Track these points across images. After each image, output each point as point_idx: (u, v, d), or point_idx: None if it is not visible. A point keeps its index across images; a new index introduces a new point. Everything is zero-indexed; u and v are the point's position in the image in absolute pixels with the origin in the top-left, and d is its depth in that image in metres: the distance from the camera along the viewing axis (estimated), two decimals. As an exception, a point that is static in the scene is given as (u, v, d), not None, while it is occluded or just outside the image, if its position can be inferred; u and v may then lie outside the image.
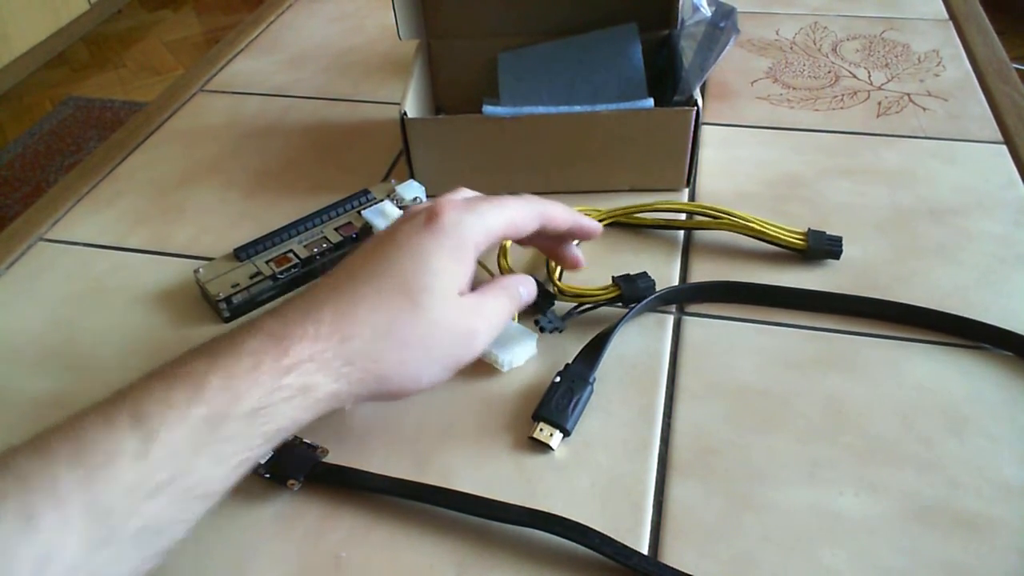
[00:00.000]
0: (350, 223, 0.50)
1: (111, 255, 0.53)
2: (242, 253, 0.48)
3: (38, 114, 2.31)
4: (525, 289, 0.41)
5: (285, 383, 0.32)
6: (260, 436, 0.32)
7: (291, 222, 0.50)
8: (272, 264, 0.47)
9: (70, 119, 2.27)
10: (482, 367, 0.43)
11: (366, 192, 0.52)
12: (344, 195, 0.52)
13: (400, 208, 0.50)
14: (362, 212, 0.49)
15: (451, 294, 0.36)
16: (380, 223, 0.48)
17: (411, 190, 0.51)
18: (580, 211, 0.52)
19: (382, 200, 0.50)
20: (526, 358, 0.43)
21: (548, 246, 0.44)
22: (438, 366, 0.36)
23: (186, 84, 0.72)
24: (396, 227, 0.37)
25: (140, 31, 2.76)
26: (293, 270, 0.48)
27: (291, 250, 0.48)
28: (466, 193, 0.41)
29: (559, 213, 0.41)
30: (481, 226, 0.37)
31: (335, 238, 0.49)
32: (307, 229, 0.50)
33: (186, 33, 2.74)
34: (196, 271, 0.47)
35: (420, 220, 0.37)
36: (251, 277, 0.47)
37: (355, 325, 0.34)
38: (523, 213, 0.39)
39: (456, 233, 0.36)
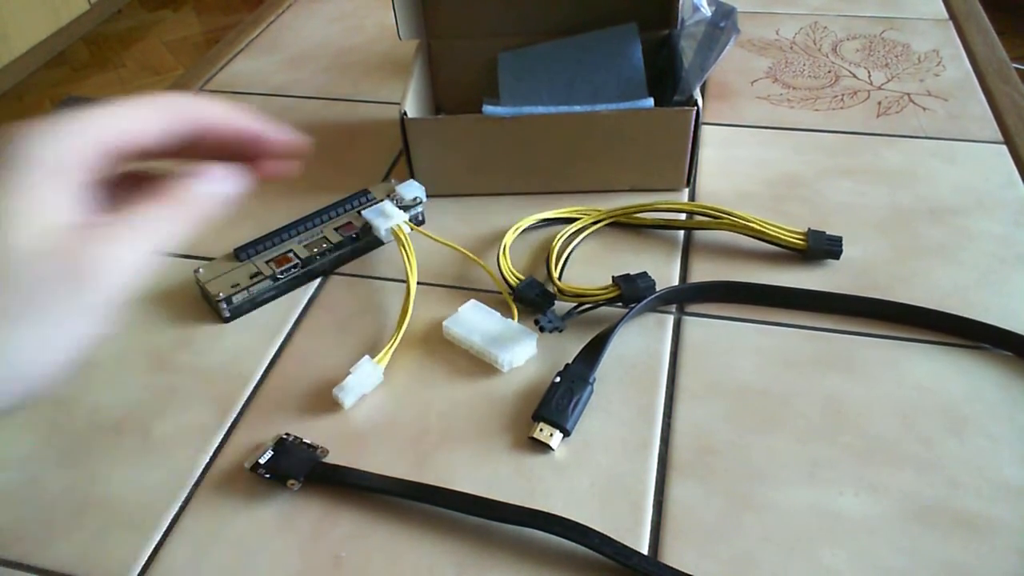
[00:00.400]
0: (350, 223, 0.50)
1: (111, 255, 0.53)
2: (242, 253, 0.48)
3: (38, 114, 2.30)
4: (205, 185, 0.30)
5: None
6: None
7: (291, 222, 0.50)
8: (272, 264, 0.47)
9: (70, 119, 2.27)
10: (482, 367, 0.43)
11: (366, 192, 0.52)
12: (344, 195, 0.52)
13: (400, 208, 0.50)
14: (362, 212, 0.50)
15: (42, 238, 0.25)
16: (380, 223, 0.48)
17: (411, 190, 0.51)
18: (580, 211, 0.52)
19: (382, 200, 0.50)
20: (526, 358, 0.43)
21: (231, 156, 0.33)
22: (62, 330, 0.25)
23: (186, 84, 0.72)
24: None
25: (140, 31, 2.76)
26: (293, 270, 0.48)
27: (291, 250, 0.48)
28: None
29: (216, 112, 0.31)
30: (67, 133, 0.27)
31: (335, 238, 0.49)
32: (307, 229, 0.50)
33: (186, 33, 2.74)
34: (196, 271, 0.47)
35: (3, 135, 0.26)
36: (251, 277, 0.47)
37: None
38: (138, 113, 0.28)
39: (25, 158, 0.26)
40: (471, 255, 0.49)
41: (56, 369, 0.25)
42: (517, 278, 0.46)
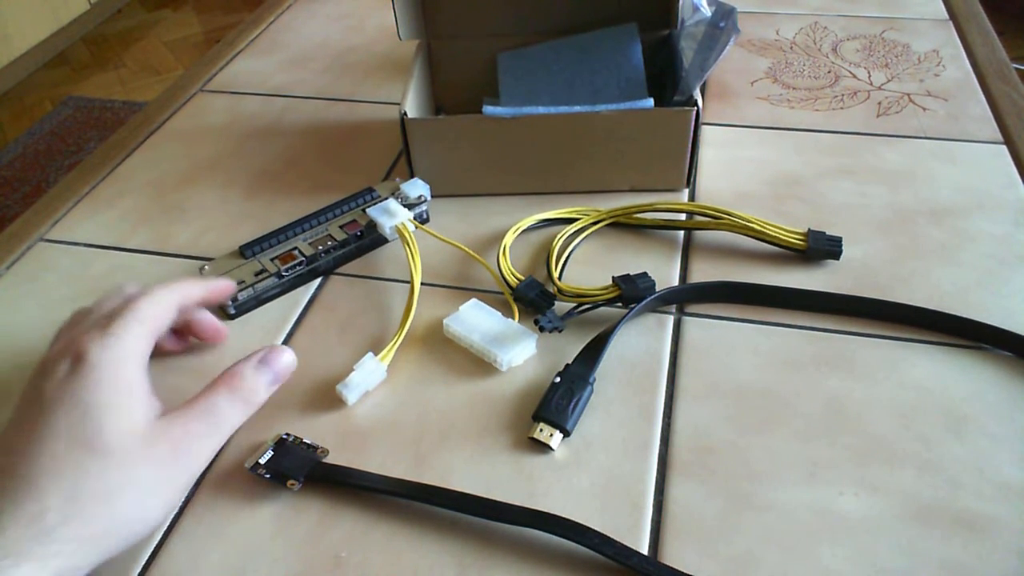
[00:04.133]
0: (355, 221, 0.50)
1: (111, 255, 0.53)
2: (247, 251, 0.48)
3: (38, 114, 2.31)
4: (270, 370, 0.38)
5: None
6: None
7: (296, 220, 0.50)
8: (277, 262, 0.48)
9: (70, 119, 2.27)
10: (482, 367, 0.43)
11: (370, 190, 0.52)
12: (345, 195, 0.52)
13: (405, 206, 0.50)
14: (367, 210, 0.50)
15: (134, 426, 0.33)
16: (385, 221, 0.48)
17: (416, 188, 0.51)
18: (580, 211, 0.52)
19: (386, 199, 0.51)
20: (525, 358, 0.43)
21: (185, 321, 0.43)
22: (157, 499, 0.33)
23: (186, 84, 0.72)
24: (39, 385, 0.34)
25: (140, 31, 2.76)
26: (298, 267, 0.48)
27: (296, 247, 0.48)
28: (104, 306, 0.38)
29: (188, 285, 0.40)
30: (126, 345, 0.35)
31: (340, 236, 0.49)
32: (312, 227, 0.50)
33: (186, 33, 2.74)
34: (202, 268, 0.47)
35: (64, 369, 0.33)
36: (256, 275, 0.47)
37: (39, 500, 0.30)
38: (158, 306, 0.37)
39: (106, 364, 0.33)
40: (473, 253, 0.49)
41: (150, 529, 0.33)
42: (517, 278, 0.46)
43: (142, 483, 0.33)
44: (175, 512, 0.37)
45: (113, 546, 0.32)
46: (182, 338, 0.45)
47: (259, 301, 0.47)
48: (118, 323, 0.35)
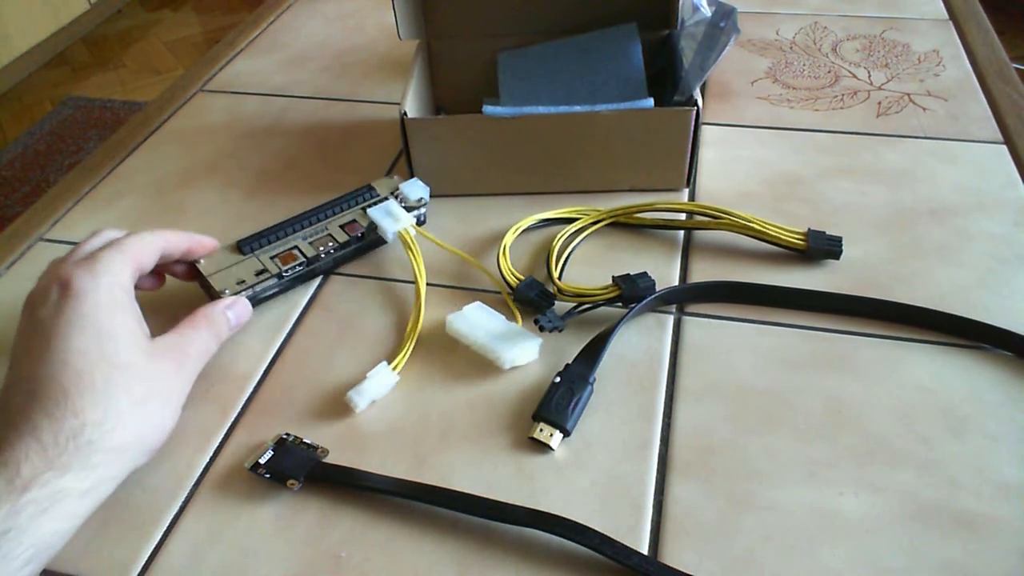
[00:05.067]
0: (355, 221, 0.50)
1: (111, 255, 0.53)
2: (245, 246, 0.47)
3: (38, 114, 2.31)
4: (233, 313, 0.43)
5: (26, 499, 0.31)
6: (15, 560, 0.30)
7: (295, 216, 0.49)
8: (277, 261, 0.47)
9: (70, 119, 2.27)
10: (482, 368, 0.43)
11: (370, 188, 0.51)
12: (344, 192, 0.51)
13: (405, 208, 0.49)
14: (368, 211, 0.49)
15: (140, 341, 0.37)
16: (388, 226, 0.48)
17: (416, 190, 0.51)
18: (580, 211, 0.52)
19: (386, 198, 0.50)
20: (527, 359, 0.43)
21: (168, 269, 0.46)
22: (170, 408, 0.37)
23: (186, 84, 0.72)
24: (34, 314, 0.36)
25: (140, 31, 2.76)
26: (299, 268, 0.48)
27: (296, 246, 0.48)
28: (94, 241, 0.41)
29: (172, 234, 0.43)
30: (115, 273, 0.38)
31: (341, 237, 0.49)
32: (311, 224, 0.49)
33: (186, 33, 2.74)
34: (198, 262, 0.46)
35: (55, 298, 0.36)
36: (257, 275, 0.46)
37: (76, 415, 0.33)
38: (142, 243, 0.40)
39: (100, 289, 0.36)
40: (471, 259, 0.49)
41: (166, 436, 0.37)
42: (517, 278, 0.46)
43: (159, 392, 0.36)
44: (179, 508, 0.37)
45: (139, 455, 0.36)
46: (158, 278, 0.46)
47: (257, 301, 0.47)
48: (102, 254, 0.38)
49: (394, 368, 0.42)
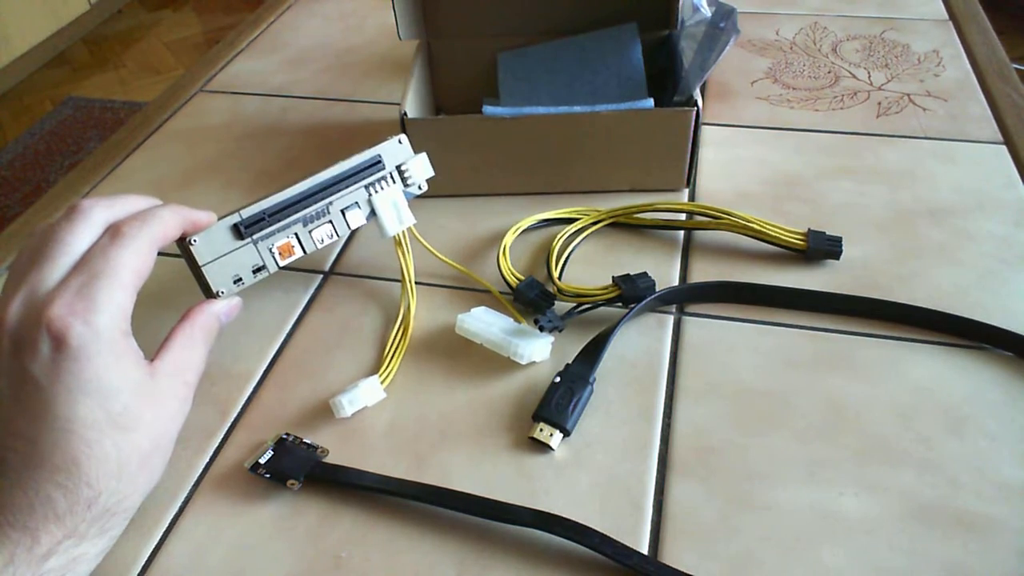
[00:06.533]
0: (357, 206, 0.46)
1: (111, 255, 0.53)
2: (244, 229, 0.43)
3: (38, 114, 2.31)
4: (227, 314, 0.41)
5: (47, 568, 0.31)
6: None
7: (294, 196, 0.45)
8: (275, 253, 0.44)
9: (70, 119, 2.27)
10: (482, 368, 0.43)
11: (379, 161, 0.47)
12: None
13: (404, 184, 0.47)
14: (372, 199, 0.46)
15: (143, 386, 0.34)
16: (389, 220, 0.46)
17: (423, 169, 0.47)
18: (580, 211, 0.52)
19: (392, 182, 0.47)
20: (542, 357, 0.43)
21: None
22: (170, 446, 0.36)
23: (186, 84, 0.72)
24: (26, 366, 0.32)
25: (140, 31, 2.76)
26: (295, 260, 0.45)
27: (296, 234, 0.45)
28: (72, 244, 0.35)
29: (168, 218, 0.38)
30: (112, 315, 0.33)
31: (343, 229, 0.46)
32: (312, 204, 0.45)
33: (186, 33, 2.74)
34: (191, 241, 0.42)
35: (47, 352, 0.32)
36: (254, 272, 0.44)
37: (91, 486, 0.32)
38: (139, 257, 0.35)
39: (98, 341, 0.32)
40: (466, 269, 0.48)
41: (173, 445, 0.37)
42: (517, 278, 0.46)
43: (165, 438, 0.36)
44: (179, 508, 0.37)
45: (142, 499, 0.35)
46: None
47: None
48: (97, 291, 0.33)
49: (381, 380, 0.42)
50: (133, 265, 0.35)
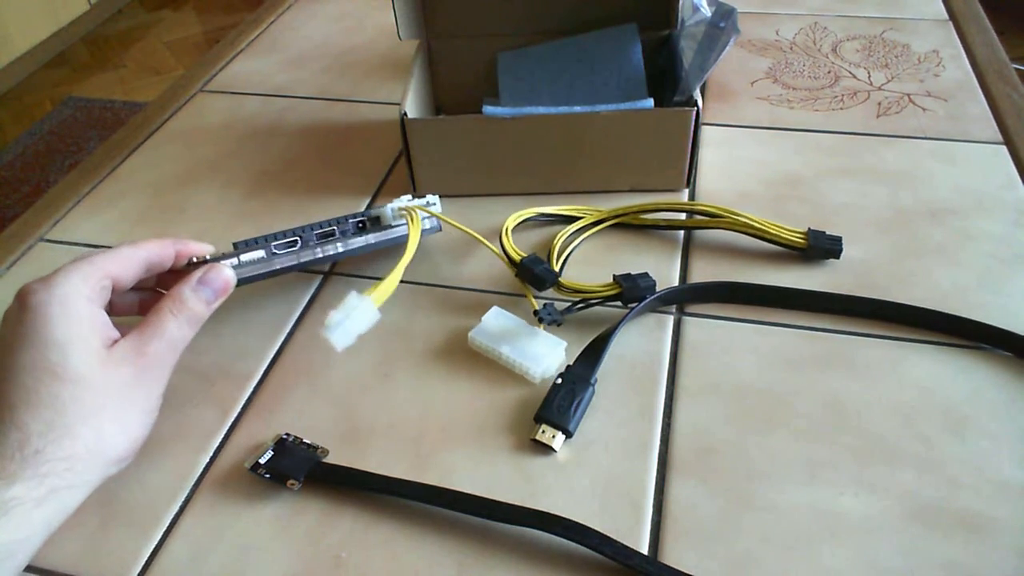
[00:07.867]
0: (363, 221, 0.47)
1: (111, 255, 0.53)
2: (241, 247, 0.44)
3: (38, 114, 2.31)
4: (208, 285, 0.40)
5: None
6: None
7: (288, 240, 0.45)
8: (273, 250, 0.44)
9: (70, 119, 2.27)
10: (483, 368, 0.43)
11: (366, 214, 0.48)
12: (345, 198, 0.48)
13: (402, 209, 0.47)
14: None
15: (94, 350, 0.35)
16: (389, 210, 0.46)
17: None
18: (581, 210, 0.52)
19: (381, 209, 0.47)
20: (557, 368, 0.42)
21: (166, 282, 0.43)
22: (132, 415, 0.36)
23: (186, 84, 0.72)
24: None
25: (140, 31, 2.76)
26: (289, 246, 0.45)
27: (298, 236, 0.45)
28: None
29: (155, 247, 0.40)
30: (71, 283, 0.36)
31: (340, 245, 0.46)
32: (306, 246, 0.46)
33: (186, 33, 2.73)
34: (190, 261, 0.42)
35: (13, 314, 0.36)
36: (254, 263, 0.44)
37: (20, 429, 0.33)
38: (114, 256, 0.39)
39: (52, 302, 0.35)
40: (478, 236, 0.47)
41: (136, 445, 0.37)
42: (520, 255, 0.46)
43: (114, 402, 0.35)
44: (179, 508, 0.37)
45: (102, 464, 0.35)
46: (144, 298, 0.44)
47: (245, 280, 0.44)
48: (64, 266, 0.38)
49: (374, 300, 0.39)
50: (104, 260, 0.38)
